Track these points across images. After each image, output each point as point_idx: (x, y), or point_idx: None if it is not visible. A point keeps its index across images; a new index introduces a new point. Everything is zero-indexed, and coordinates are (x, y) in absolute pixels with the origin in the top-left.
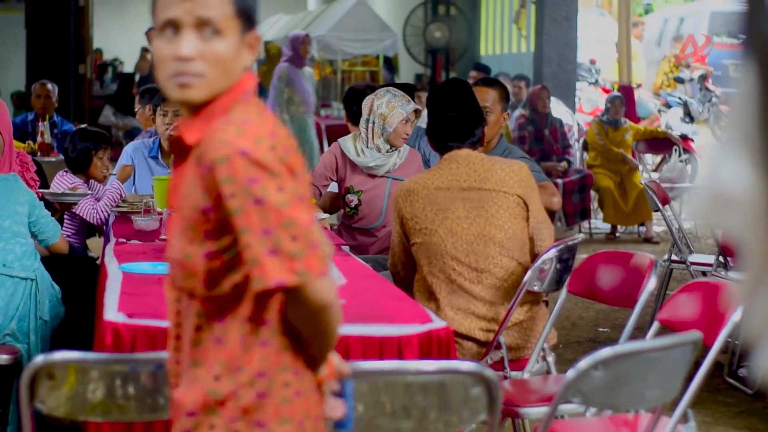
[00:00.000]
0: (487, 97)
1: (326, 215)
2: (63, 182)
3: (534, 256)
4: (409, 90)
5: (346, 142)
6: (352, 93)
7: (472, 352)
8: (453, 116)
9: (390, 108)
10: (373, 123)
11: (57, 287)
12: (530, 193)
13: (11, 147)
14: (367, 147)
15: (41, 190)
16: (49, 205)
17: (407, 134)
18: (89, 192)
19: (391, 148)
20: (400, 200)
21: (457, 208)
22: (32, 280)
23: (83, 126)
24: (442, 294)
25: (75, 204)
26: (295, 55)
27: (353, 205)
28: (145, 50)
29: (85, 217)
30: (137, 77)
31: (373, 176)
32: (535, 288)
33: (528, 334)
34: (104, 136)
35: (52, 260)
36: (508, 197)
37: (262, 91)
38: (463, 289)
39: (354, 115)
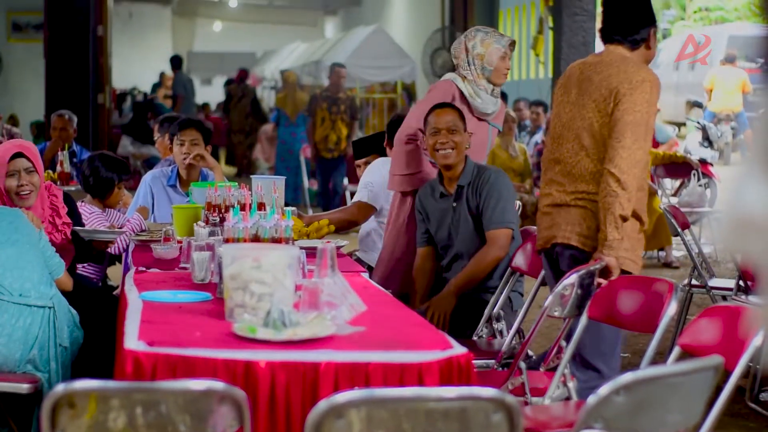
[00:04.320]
0: (449, 118)
1: (345, 242)
2: (93, 219)
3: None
4: (379, 139)
5: (458, 81)
6: (397, 119)
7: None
8: (619, 7)
9: (486, 46)
10: (474, 64)
11: (74, 311)
12: (631, 92)
13: (43, 190)
14: (480, 89)
15: (77, 228)
16: (87, 243)
17: (507, 69)
18: (123, 230)
19: (494, 88)
20: None
21: (570, 93)
22: (50, 308)
23: (103, 152)
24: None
25: (112, 242)
26: None
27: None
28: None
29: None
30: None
31: (480, 120)
32: (556, 313)
33: None
34: (126, 166)
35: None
36: (601, 88)
37: (281, 118)
38: (554, 161)
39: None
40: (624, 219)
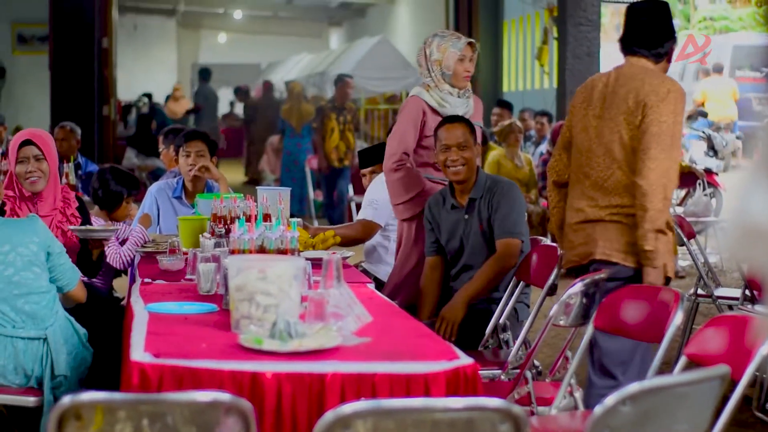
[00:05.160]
0: (459, 133)
1: (351, 253)
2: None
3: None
4: (384, 149)
5: (423, 95)
6: None
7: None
8: (645, 21)
9: (442, 51)
10: (434, 71)
11: (82, 330)
12: (657, 104)
13: (56, 179)
14: (445, 94)
15: (71, 227)
16: (85, 243)
17: (468, 71)
18: (117, 227)
19: (460, 91)
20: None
21: (595, 107)
22: (43, 339)
23: (114, 166)
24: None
25: (106, 240)
26: None
27: None
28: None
29: (110, 262)
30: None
31: None
32: (561, 323)
33: None
34: (137, 181)
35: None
36: (628, 101)
37: (286, 129)
38: (583, 176)
39: None
40: (659, 231)
